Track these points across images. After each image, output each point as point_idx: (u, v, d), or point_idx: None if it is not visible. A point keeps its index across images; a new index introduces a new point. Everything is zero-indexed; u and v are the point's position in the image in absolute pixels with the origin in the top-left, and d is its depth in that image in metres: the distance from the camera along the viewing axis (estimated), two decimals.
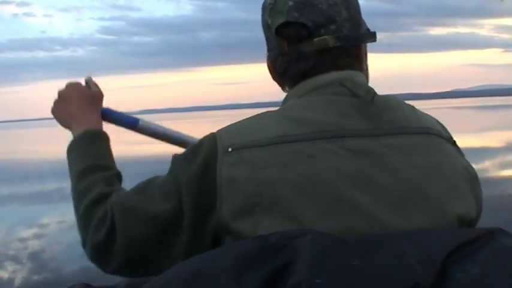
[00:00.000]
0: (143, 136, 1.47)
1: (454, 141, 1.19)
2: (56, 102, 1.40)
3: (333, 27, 1.15)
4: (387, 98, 1.13)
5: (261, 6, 1.28)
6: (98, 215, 1.13)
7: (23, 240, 5.53)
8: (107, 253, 1.11)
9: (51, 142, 28.63)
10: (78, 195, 1.22)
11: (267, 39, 1.26)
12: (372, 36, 1.24)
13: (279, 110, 1.15)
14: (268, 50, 1.26)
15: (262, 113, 1.16)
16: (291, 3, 1.16)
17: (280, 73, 1.22)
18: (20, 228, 6.16)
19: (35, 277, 4.21)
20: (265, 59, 1.26)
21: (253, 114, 1.16)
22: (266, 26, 1.23)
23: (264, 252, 0.84)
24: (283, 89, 1.25)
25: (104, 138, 1.34)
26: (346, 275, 0.78)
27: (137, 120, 1.46)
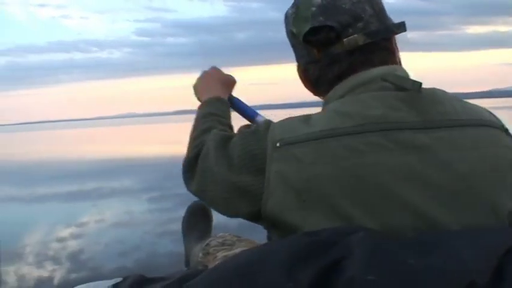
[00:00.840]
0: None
1: (507, 129, 1.14)
2: (198, 79, 1.61)
3: (360, 24, 1.14)
4: (434, 90, 1.10)
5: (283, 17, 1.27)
6: (198, 141, 1.27)
7: (61, 239, 5.61)
8: (190, 173, 1.25)
9: (90, 142, 29.12)
10: (193, 127, 1.38)
11: (294, 48, 1.25)
12: (400, 27, 1.21)
13: (323, 109, 1.14)
14: (298, 59, 1.25)
15: (310, 113, 1.14)
16: (313, 8, 1.15)
17: (313, 80, 1.21)
18: (59, 227, 6.25)
19: (73, 276, 4.27)
20: (297, 66, 1.26)
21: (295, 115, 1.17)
22: (292, 36, 1.23)
23: (316, 248, 0.83)
24: (317, 95, 1.25)
25: (227, 103, 1.51)
26: (399, 273, 0.77)
27: (256, 114, 1.62)
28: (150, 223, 6.27)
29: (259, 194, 1.05)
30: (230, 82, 1.62)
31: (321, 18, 1.14)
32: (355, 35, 1.14)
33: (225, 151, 1.15)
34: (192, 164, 1.24)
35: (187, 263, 2.26)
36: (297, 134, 1.05)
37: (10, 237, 5.57)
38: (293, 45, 1.26)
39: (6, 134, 68.32)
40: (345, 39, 1.14)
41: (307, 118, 1.10)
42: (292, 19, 1.21)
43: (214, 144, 1.19)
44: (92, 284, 1.24)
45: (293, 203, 1.00)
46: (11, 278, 4.14)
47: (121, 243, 5.29)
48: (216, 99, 1.48)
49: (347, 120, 1.04)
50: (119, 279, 1.23)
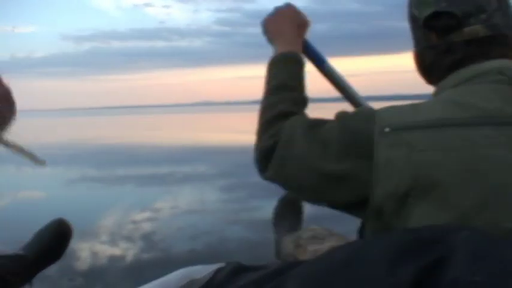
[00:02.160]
0: None
1: None
2: (270, 16, 1.51)
3: (483, 16, 1.10)
4: None
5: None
6: (273, 129, 1.23)
7: (135, 221, 5.75)
8: (265, 162, 1.22)
9: (167, 128, 29.78)
10: (264, 108, 1.33)
11: (413, 32, 1.23)
12: None
13: (436, 97, 1.11)
14: (415, 43, 1.23)
15: (419, 101, 1.11)
16: None
17: (427, 66, 1.19)
18: (133, 209, 6.42)
19: (145, 256, 4.37)
20: (413, 51, 1.24)
21: None
22: (413, 19, 1.20)
23: (418, 245, 0.80)
24: (429, 82, 1.22)
25: (302, 64, 1.42)
26: (507, 274, 0.73)
27: (325, 60, 1.56)
28: (222, 210, 6.34)
29: (362, 181, 1.02)
30: (305, 24, 1.52)
31: (444, 4, 1.12)
32: (476, 26, 1.11)
33: (317, 136, 1.13)
34: (269, 152, 1.22)
35: (277, 253, 2.27)
36: (409, 120, 1.02)
37: (86, 216, 5.77)
38: (412, 29, 1.24)
39: (86, 117, 70.86)
40: (465, 29, 1.11)
41: (416, 105, 1.07)
42: (415, 2, 1.19)
43: (301, 131, 1.16)
44: (196, 267, 1.27)
45: (402, 190, 0.97)
46: (85, 255, 4.29)
47: (192, 228, 5.37)
48: (292, 58, 1.40)
49: (463, 111, 1.00)
50: (220, 265, 1.24)
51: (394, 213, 0.98)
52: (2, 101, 1.45)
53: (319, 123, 1.17)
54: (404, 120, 1.02)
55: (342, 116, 1.15)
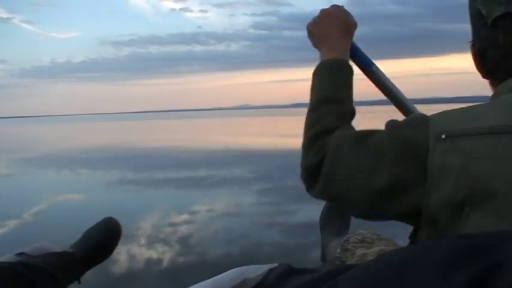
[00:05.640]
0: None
1: None
2: (316, 18, 1.42)
3: None
4: None
5: None
6: (318, 145, 1.18)
7: (173, 224, 5.81)
8: (313, 179, 1.17)
9: (206, 132, 29.93)
10: (309, 122, 1.26)
11: (475, 28, 1.18)
12: None
13: (493, 101, 1.08)
14: (476, 39, 1.18)
15: (474, 105, 1.07)
16: None
17: (490, 65, 1.15)
18: (171, 212, 6.48)
19: (181, 259, 4.41)
20: (473, 47, 1.20)
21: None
22: (478, 16, 1.15)
23: (473, 251, 0.79)
24: (487, 78, 1.18)
25: (350, 73, 1.34)
26: None
27: (372, 64, 1.47)
28: (259, 214, 6.35)
29: (418, 191, 0.99)
30: (353, 26, 1.42)
31: None
32: None
33: (366, 148, 1.09)
34: (315, 169, 1.17)
35: (323, 257, 2.26)
36: (465, 127, 0.98)
37: (125, 219, 5.83)
38: (474, 25, 1.18)
39: (125, 122, 71.70)
40: None
41: (471, 110, 1.04)
42: None
43: (348, 145, 1.12)
44: (249, 267, 1.27)
45: (458, 197, 0.94)
46: (123, 258, 4.34)
47: (228, 231, 5.39)
48: (340, 66, 1.32)
49: None
50: (272, 265, 1.25)
51: (450, 222, 0.95)
52: None
53: (367, 134, 1.12)
54: (460, 126, 0.99)
55: (392, 124, 1.10)
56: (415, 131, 1.03)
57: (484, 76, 1.18)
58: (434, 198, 0.97)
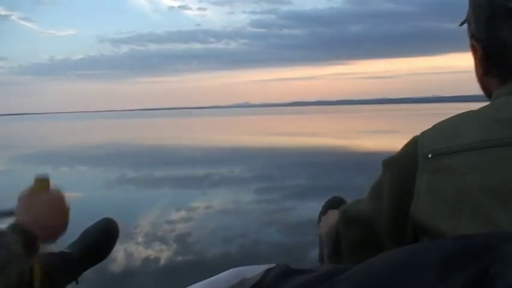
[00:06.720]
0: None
1: None
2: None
3: None
4: None
5: None
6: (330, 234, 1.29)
7: (171, 222, 5.80)
8: (338, 254, 1.25)
9: (205, 131, 29.92)
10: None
11: (484, 25, 1.17)
12: None
13: (484, 108, 1.07)
14: (483, 37, 1.18)
15: (465, 112, 1.08)
16: None
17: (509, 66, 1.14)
18: (169, 211, 6.48)
19: (179, 258, 4.40)
20: (473, 47, 1.18)
21: (454, 113, 1.11)
22: (493, 13, 1.15)
23: (470, 252, 0.79)
24: (495, 78, 1.17)
25: None
26: None
27: None
28: (256, 212, 6.35)
29: (410, 213, 1.02)
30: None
31: None
32: None
33: (372, 194, 1.14)
34: (335, 250, 1.28)
35: (321, 257, 2.26)
36: (450, 144, 1.00)
37: (123, 217, 5.83)
38: (483, 23, 1.18)
39: (123, 119, 71.69)
40: None
41: (458, 126, 1.04)
42: None
43: (355, 205, 1.21)
44: (247, 267, 1.28)
45: (443, 213, 0.97)
46: (121, 256, 4.34)
47: (226, 230, 5.39)
48: None
49: (505, 130, 0.97)
50: (270, 266, 1.25)
51: (442, 231, 0.97)
52: (58, 214, 1.41)
53: (370, 189, 1.16)
54: (445, 144, 1.01)
55: (387, 161, 1.12)
56: (406, 156, 1.06)
57: (484, 74, 1.17)
58: (418, 210, 1.00)
